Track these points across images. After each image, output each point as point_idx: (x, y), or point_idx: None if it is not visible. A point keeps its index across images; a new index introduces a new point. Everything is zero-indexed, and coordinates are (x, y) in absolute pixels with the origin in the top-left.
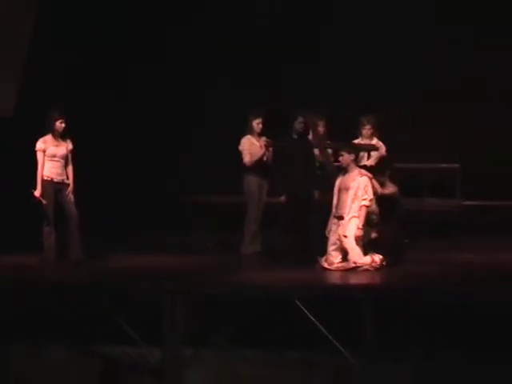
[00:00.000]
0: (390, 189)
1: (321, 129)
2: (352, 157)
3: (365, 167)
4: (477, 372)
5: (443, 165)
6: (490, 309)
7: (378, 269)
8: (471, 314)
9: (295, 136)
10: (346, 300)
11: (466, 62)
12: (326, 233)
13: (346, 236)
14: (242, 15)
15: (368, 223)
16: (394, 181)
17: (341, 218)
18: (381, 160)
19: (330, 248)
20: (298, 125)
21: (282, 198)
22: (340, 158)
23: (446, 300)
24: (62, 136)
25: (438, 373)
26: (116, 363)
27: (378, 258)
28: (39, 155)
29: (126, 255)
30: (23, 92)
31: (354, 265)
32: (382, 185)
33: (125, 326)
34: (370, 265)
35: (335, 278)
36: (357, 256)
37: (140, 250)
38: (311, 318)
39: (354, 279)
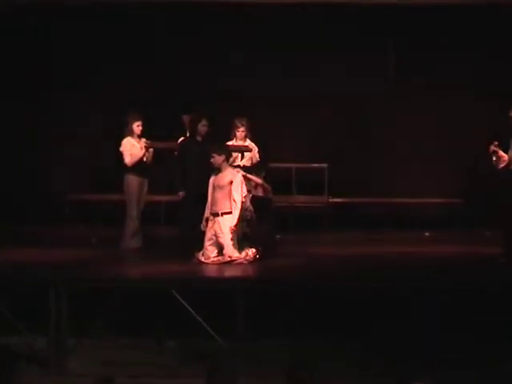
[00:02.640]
0: (264, 190)
1: (203, 128)
2: (223, 157)
3: (239, 167)
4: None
5: (313, 164)
6: (359, 299)
7: (252, 262)
8: (338, 304)
9: (199, 138)
10: (220, 291)
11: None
12: (202, 227)
13: (221, 231)
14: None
15: (242, 219)
16: (267, 181)
17: (216, 214)
18: (254, 161)
19: (207, 243)
20: (202, 127)
21: (180, 194)
22: (212, 160)
23: (315, 290)
24: None
25: (310, 359)
26: (3, 352)
27: (251, 252)
28: None
29: (12, 249)
30: None
31: (228, 259)
32: (256, 186)
33: (11, 316)
34: (244, 258)
35: (211, 271)
36: (231, 250)
37: (26, 244)
38: (188, 308)
39: (228, 272)
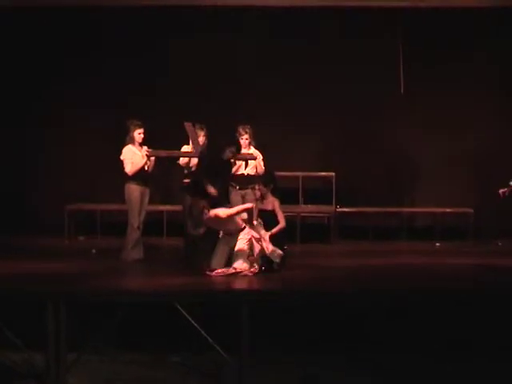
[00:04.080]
0: (272, 204)
1: (201, 139)
2: None
3: (242, 176)
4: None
5: (320, 173)
6: (367, 311)
7: (257, 274)
8: (346, 317)
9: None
10: (225, 304)
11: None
12: None
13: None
14: None
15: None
16: (275, 193)
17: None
18: (258, 169)
19: (213, 255)
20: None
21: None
22: None
23: (323, 302)
24: None
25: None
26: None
27: (257, 263)
28: None
29: (10, 261)
30: None
31: (233, 270)
32: (263, 198)
33: (7, 331)
34: (249, 270)
35: (215, 283)
36: (238, 262)
37: (24, 256)
38: (192, 321)
39: (233, 284)
